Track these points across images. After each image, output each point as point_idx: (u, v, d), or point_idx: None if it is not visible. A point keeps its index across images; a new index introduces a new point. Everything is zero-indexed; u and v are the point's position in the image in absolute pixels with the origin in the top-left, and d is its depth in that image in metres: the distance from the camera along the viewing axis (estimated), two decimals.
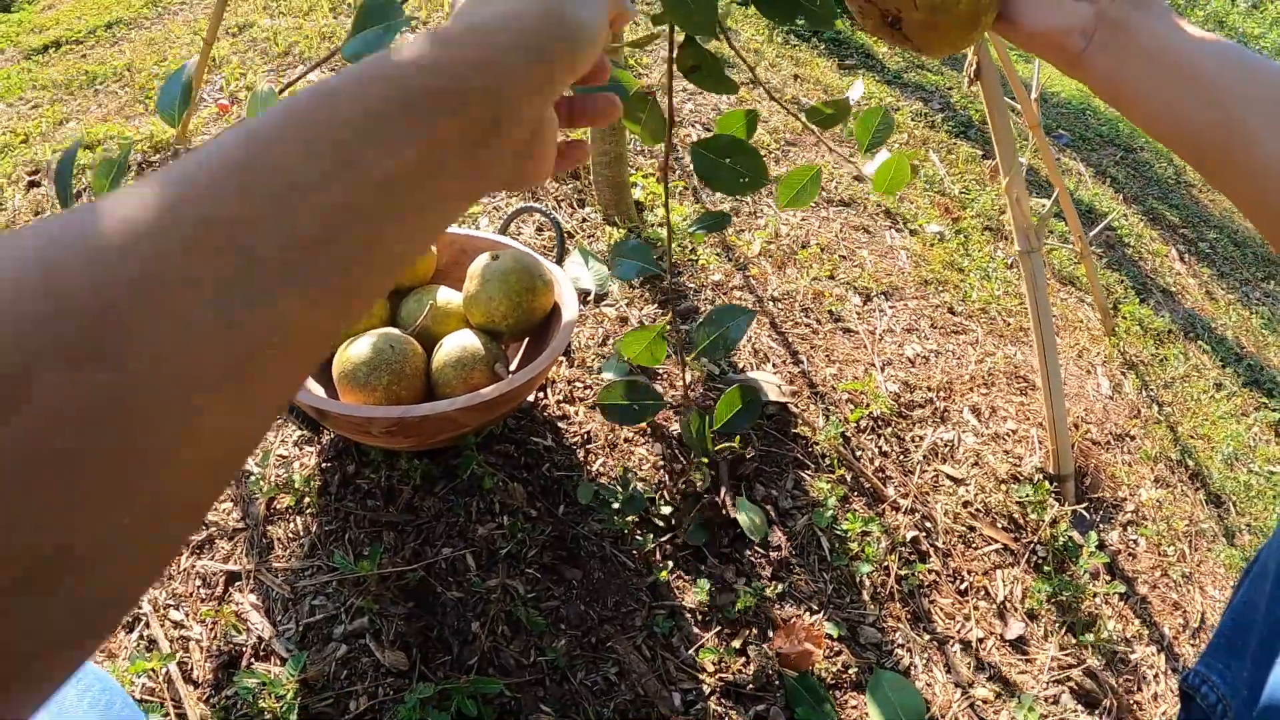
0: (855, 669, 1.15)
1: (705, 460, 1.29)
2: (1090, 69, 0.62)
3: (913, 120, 2.86)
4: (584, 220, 1.81)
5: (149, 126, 2.08)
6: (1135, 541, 1.55)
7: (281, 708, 0.96)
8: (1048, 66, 4.59)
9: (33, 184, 1.88)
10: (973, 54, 1.31)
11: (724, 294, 1.68)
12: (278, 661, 1.02)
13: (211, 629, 1.05)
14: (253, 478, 1.21)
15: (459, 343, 1.15)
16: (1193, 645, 1.41)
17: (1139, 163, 3.45)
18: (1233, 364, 2.28)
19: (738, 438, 1.36)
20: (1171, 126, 0.60)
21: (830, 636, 1.17)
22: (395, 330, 1.16)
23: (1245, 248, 3.10)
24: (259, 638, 1.05)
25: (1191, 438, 1.90)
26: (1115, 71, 0.60)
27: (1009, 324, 1.93)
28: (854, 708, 1.11)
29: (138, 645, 1.04)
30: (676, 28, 0.97)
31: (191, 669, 1.02)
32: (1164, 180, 3.39)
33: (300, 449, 1.26)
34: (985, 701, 1.17)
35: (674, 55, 1.00)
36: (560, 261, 1.35)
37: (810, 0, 0.88)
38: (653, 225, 1.81)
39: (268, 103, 0.86)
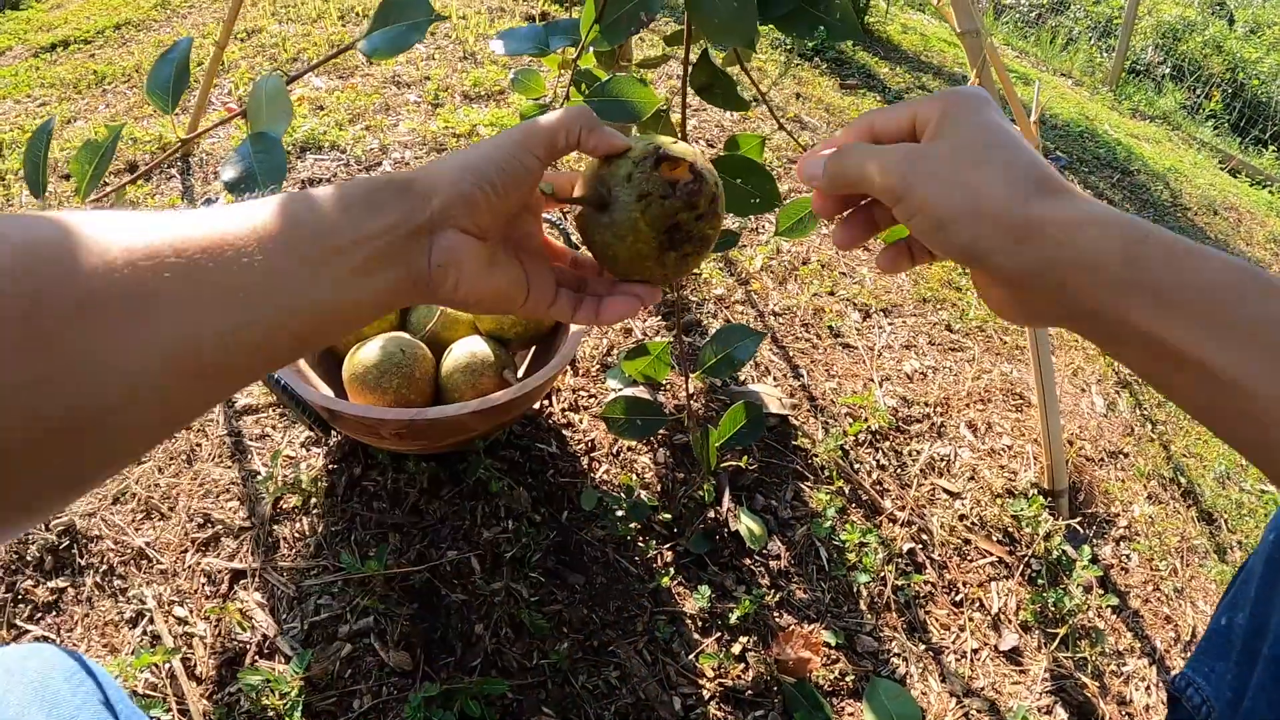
0: (852, 677, 1.16)
1: (711, 475, 1.31)
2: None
3: None
4: None
5: (158, 127, 2.09)
6: (1128, 556, 1.57)
7: (285, 705, 0.97)
8: (1047, 88, 4.59)
9: None
10: (975, 75, 1.33)
11: (726, 308, 1.70)
12: (282, 660, 1.03)
13: (216, 626, 1.06)
14: (260, 477, 1.22)
15: (468, 348, 1.17)
16: (1183, 658, 1.42)
17: (1135, 185, 3.48)
18: None
19: (744, 457, 1.37)
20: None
21: (828, 644, 1.18)
22: (405, 334, 1.18)
23: None
24: (263, 635, 1.06)
25: (1184, 456, 1.92)
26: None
27: (1005, 342, 1.96)
28: (850, 715, 1.13)
29: (141, 640, 1.05)
30: (692, 47, 0.99)
31: (195, 665, 1.03)
32: (1160, 203, 3.43)
33: (308, 450, 1.27)
34: (980, 711, 1.19)
35: (688, 73, 1.02)
36: None
37: (831, 14, 0.90)
38: None
39: (275, 96, 0.79)
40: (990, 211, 0.45)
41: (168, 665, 1.02)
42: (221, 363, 0.41)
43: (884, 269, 0.59)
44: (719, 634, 1.16)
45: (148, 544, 1.15)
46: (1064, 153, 3.44)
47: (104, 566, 1.12)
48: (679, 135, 1.03)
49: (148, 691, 0.99)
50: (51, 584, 1.10)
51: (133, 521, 1.17)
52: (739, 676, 1.12)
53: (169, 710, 0.98)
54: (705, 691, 1.10)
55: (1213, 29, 5.85)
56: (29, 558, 1.11)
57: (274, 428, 1.31)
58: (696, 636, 1.15)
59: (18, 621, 1.06)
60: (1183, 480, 1.84)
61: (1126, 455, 1.81)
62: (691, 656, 1.13)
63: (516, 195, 0.53)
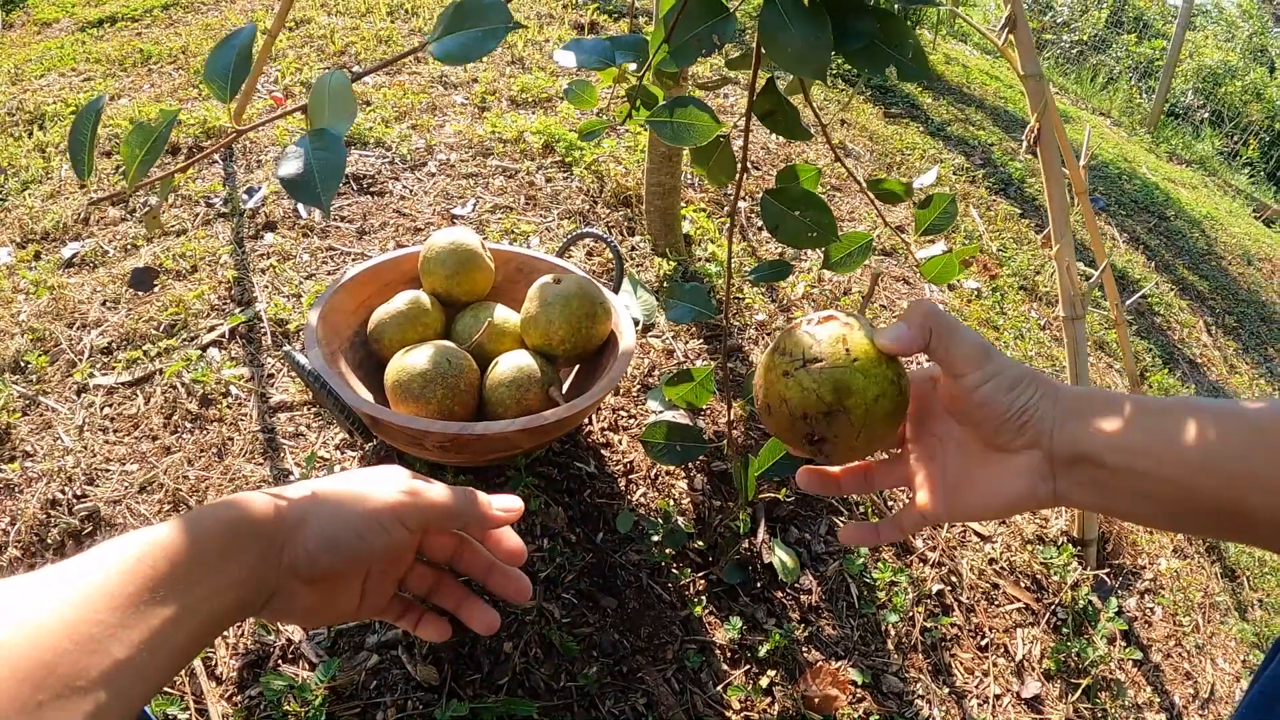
0: (877, 717, 1.15)
1: (747, 505, 1.30)
2: (1072, 503, 0.60)
3: (954, 174, 2.87)
4: (633, 249, 1.82)
5: (202, 111, 2.10)
6: (1152, 610, 1.55)
7: (307, 712, 0.96)
8: (1095, 134, 4.55)
9: None
10: (1035, 119, 1.32)
11: (767, 334, 1.69)
12: (306, 666, 1.02)
13: (239, 627, 1.05)
14: (292, 477, 1.22)
15: (515, 363, 1.15)
16: (1201, 716, 1.41)
17: (1172, 231, 3.47)
18: None
19: (781, 488, 1.36)
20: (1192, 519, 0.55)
21: (854, 683, 1.17)
22: (451, 344, 1.17)
23: (1271, 323, 3.12)
24: (289, 640, 1.05)
25: None
26: (1100, 502, 0.58)
27: None
28: None
29: None
30: (759, 72, 0.98)
31: (216, 665, 1.01)
32: (1195, 250, 3.41)
33: (342, 453, 1.27)
34: None
35: (753, 100, 1.01)
36: (617, 289, 1.35)
37: (904, 53, 0.88)
38: (701, 260, 1.82)
39: (339, 94, 0.76)
40: (1044, 382, 0.59)
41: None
42: None
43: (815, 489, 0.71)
44: (747, 666, 1.15)
45: None
46: (1102, 193, 3.43)
47: None
48: (743, 164, 1.02)
49: (165, 689, 0.98)
50: None
51: (159, 512, 1.17)
52: (765, 710, 1.11)
53: (186, 709, 0.96)
54: None
55: (1253, 75, 5.82)
56: (49, 540, 1.11)
57: (308, 427, 1.31)
58: (725, 667, 1.14)
59: None
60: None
61: None
62: (719, 688, 1.12)
63: (373, 559, 0.61)
